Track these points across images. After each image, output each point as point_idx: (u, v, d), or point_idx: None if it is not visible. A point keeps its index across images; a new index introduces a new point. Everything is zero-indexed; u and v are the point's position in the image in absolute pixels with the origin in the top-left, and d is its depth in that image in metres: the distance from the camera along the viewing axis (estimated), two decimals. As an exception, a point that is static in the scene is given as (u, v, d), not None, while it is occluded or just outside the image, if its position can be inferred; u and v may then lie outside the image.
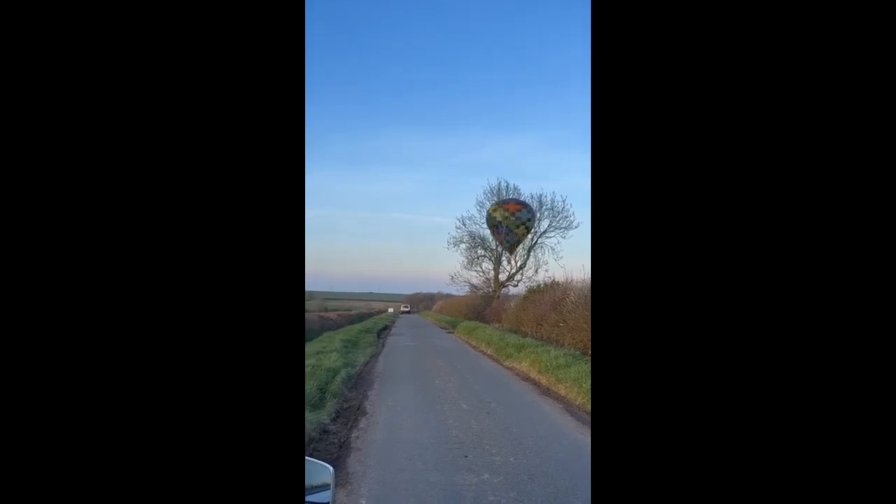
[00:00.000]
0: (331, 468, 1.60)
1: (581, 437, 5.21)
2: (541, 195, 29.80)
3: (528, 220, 24.78)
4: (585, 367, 8.19)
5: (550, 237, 30.00)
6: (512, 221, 24.09)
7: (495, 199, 28.64)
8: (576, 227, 29.02)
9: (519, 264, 30.52)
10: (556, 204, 29.90)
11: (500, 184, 29.41)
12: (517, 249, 28.05)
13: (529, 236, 29.73)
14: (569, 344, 11.62)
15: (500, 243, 26.23)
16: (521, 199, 28.26)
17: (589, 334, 10.37)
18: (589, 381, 7.05)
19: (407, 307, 63.74)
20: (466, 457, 4.62)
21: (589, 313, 10.50)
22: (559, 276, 18.70)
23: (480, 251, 30.21)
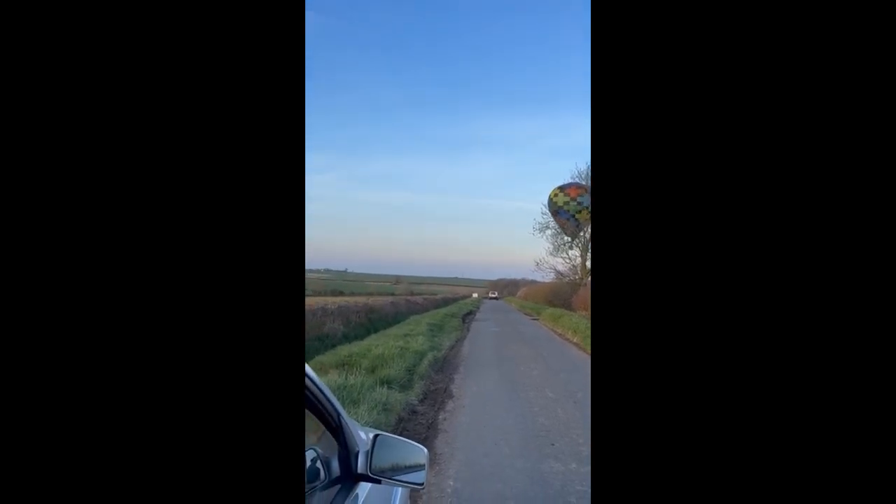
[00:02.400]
0: (425, 450, 1.65)
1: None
2: (631, 179, 28.64)
3: (590, 204, 23.89)
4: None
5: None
6: (573, 206, 23.32)
7: (584, 183, 27.89)
8: (668, 213, 27.63)
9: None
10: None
11: (588, 168, 28.56)
12: (581, 235, 27.22)
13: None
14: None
15: (563, 228, 25.48)
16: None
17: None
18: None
19: (495, 293, 63.87)
20: (553, 445, 4.60)
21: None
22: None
23: (567, 238, 29.57)
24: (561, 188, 24.13)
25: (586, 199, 23.58)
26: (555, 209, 24.14)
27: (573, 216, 23.51)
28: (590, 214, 24.26)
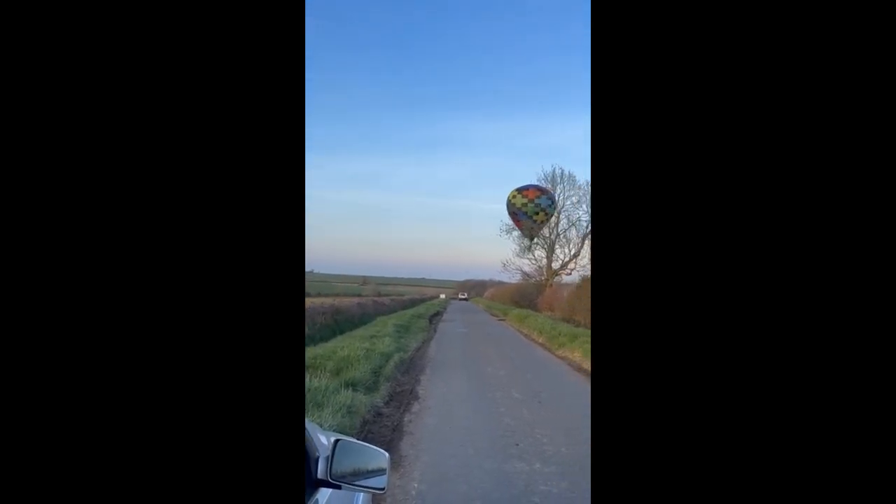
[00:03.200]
0: (386, 454, 1.64)
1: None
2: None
3: (548, 206, 24.11)
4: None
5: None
6: (531, 208, 23.59)
7: (550, 185, 28.26)
8: (632, 216, 28.24)
9: (573, 252, 30.08)
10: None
11: (554, 170, 28.99)
12: (571, 239, 27.54)
13: (584, 224, 29.18)
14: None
15: (521, 230, 25.77)
16: (578, 184, 27.73)
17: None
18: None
19: (464, 295, 64.26)
20: (518, 445, 4.63)
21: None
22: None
23: (535, 239, 29.89)
24: (519, 190, 24.32)
25: (544, 201, 23.80)
26: (513, 211, 24.32)
27: (531, 217, 23.72)
28: (547, 217, 24.50)
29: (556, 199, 26.55)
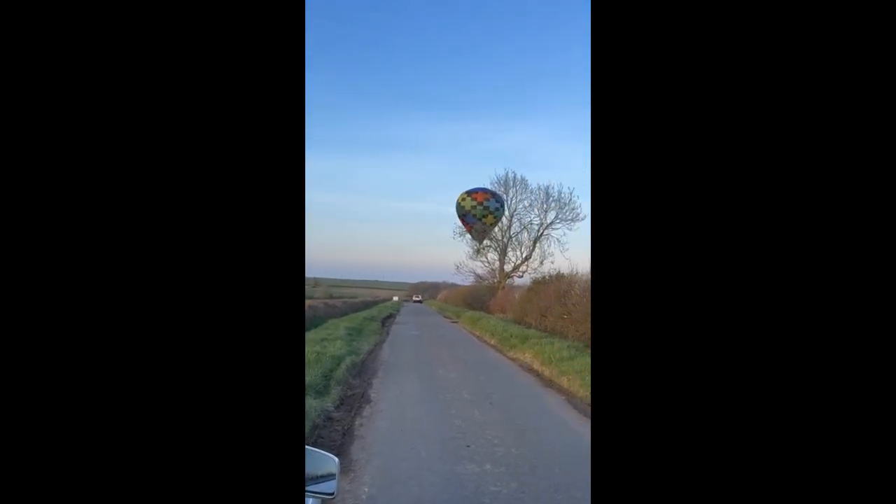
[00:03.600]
0: (336, 459, 1.62)
1: (582, 429, 5.24)
2: (548, 187, 29.78)
3: (497, 209, 24.40)
4: (588, 359, 8.20)
5: (557, 229, 29.94)
6: (480, 211, 23.84)
7: (502, 189, 28.60)
8: (582, 220, 28.95)
9: (525, 255, 30.54)
10: (563, 196, 29.82)
11: (507, 174, 29.37)
12: (526, 243, 27.92)
13: (536, 227, 29.67)
14: (573, 336, 11.63)
15: (470, 233, 26.00)
16: (530, 188, 28.19)
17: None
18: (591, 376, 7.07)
19: (418, 297, 64.40)
20: (469, 447, 4.66)
21: (594, 306, 10.49)
22: (564, 268, 18.68)
23: (486, 241, 30.16)
24: (469, 192, 24.44)
25: (493, 204, 23.99)
26: (462, 213, 24.42)
27: (480, 220, 23.88)
28: (496, 220, 24.72)
29: (508, 202, 26.84)
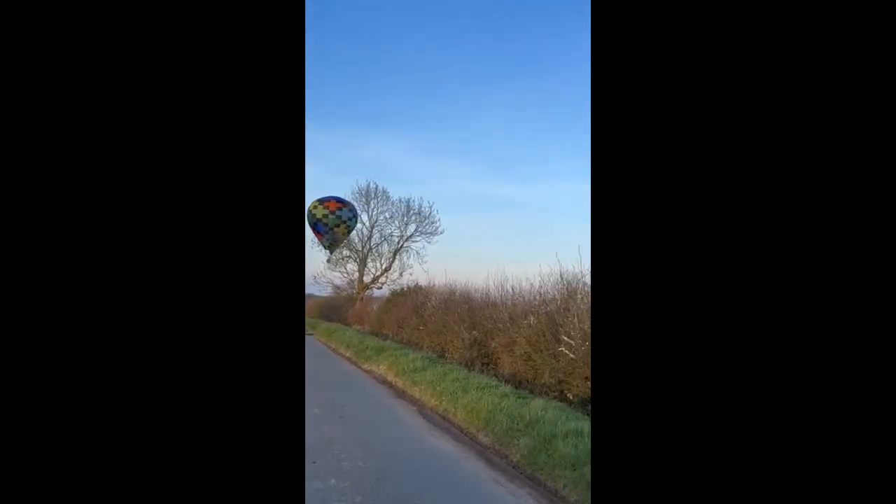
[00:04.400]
0: None
1: (432, 438, 5.36)
2: (409, 200, 30.24)
3: (350, 219, 24.38)
4: (441, 369, 8.44)
5: (416, 241, 30.45)
6: (332, 220, 23.73)
7: (363, 200, 28.51)
8: (441, 233, 29.78)
9: (384, 267, 30.65)
10: (423, 209, 30.46)
11: (368, 185, 29.34)
12: (378, 254, 28.01)
13: (396, 240, 29.98)
14: (427, 347, 11.89)
15: (320, 242, 25.77)
16: (391, 200, 28.41)
17: (446, 338, 10.70)
18: (442, 384, 7.29)
19: None
20: (315, 462, 4.54)
21: (448, 317, 10.84)
22: (423, 280, 19.04)
23: (346, 252, 29.78)
24: (320, 200, 23.97)
25: (346, 213, 23.77)
26: (313, 222, 23.87)
27: (332, 229, 23.54)
28: (348, 230, 24.52)
29: (369, 213, 26.76)
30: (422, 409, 7.03)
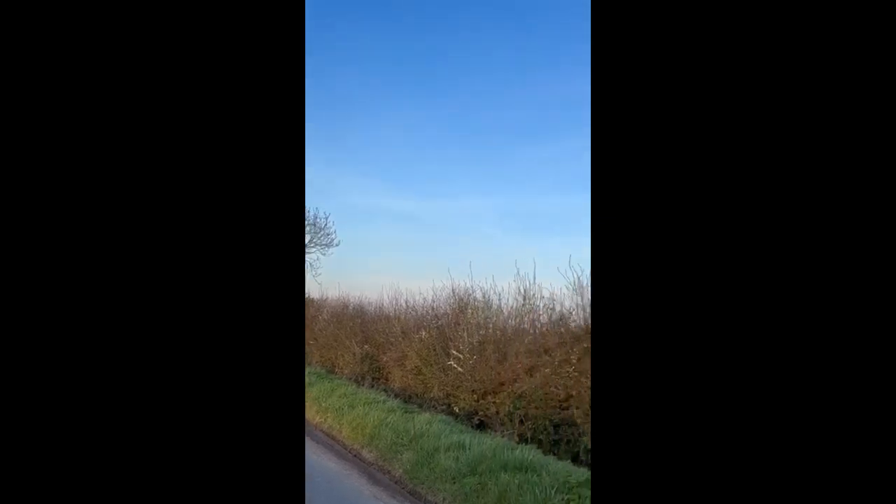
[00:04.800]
0: None
1: (314, 457, 5.18)
2: (305, 210, 29.50)
3: None
4: (329, 385, 8.22)
5: (311, 253, 29.66)
6: None
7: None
8: (336, 245, 29.26)
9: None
10: (318, 220, 29.78)
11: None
12: None
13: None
14: (317, 362, 11.54)
15: None
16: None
17: (337, 353, 10.45)
18: (329, 400, 7.11)
19: None
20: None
21: (340, 332, 10.60)
22: (315, 294, 18.54)
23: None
24: None
25: None
26: None
27: None
28: None
29: None
30: (305, 426, 6.78)
